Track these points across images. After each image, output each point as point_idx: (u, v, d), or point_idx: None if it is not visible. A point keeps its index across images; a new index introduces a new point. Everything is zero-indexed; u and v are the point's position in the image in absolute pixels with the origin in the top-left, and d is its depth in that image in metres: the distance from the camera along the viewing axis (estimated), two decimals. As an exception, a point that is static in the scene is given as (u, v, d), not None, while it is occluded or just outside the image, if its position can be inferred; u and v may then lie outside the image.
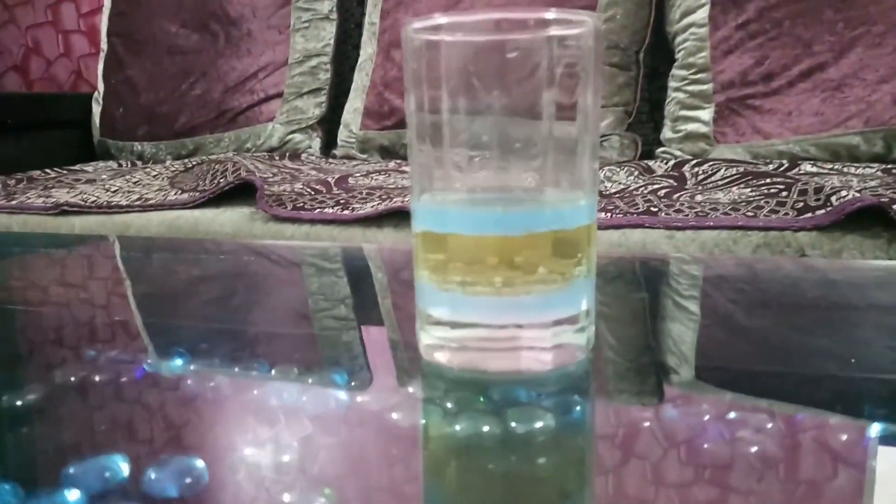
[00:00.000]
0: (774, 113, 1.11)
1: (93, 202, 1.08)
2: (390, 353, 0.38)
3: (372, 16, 1.48)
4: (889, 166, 0.99)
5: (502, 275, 0.29)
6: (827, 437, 0.27)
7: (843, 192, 0.72)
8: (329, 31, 1.54)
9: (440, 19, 0.28)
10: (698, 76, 1.19)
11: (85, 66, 2.08)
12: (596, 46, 0.29)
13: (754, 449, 0.26)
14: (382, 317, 0.45)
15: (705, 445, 0.26)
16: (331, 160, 1.46)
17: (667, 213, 0.77)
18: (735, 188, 0.86)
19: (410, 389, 0.32)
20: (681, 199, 0.84)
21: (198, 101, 1.58)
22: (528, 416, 0.27)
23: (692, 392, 0.32)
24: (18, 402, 0.31)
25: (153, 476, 0.24)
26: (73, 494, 0.23)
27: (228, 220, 0.97)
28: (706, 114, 1.17)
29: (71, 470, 0.25)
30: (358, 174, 1.14)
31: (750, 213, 0.75)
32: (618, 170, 1.08)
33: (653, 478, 0.24)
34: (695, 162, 1.06)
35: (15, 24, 2.15)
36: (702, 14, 1.20)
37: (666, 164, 1.10)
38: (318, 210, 0.91)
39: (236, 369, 0.35)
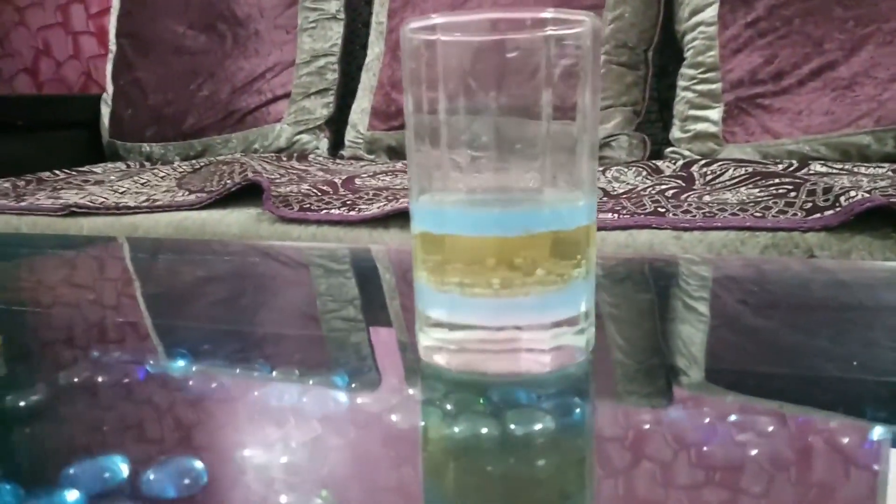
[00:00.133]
0: (784, 112, 1.11)
1: (101, 203, 1.08)
2: (390, 355, 0.38)
3: (379, 15, 1.48)
4: (900, 166, 0.98)
5: (501, 276, 0.29)
6: (838, 440, 0.26)
7: (853, 193, 0.71)
8: (336, 31, 1.54)
9: (437, 19, 0.28)
10: (707, 75, 1.18)
11: (94, 68, 2.09)
12: (594, 46, 0.29)
13: (755, 452, 0.25)
14: (384, 318, 0.45)
15: (705, 448, 0.26)
16: (338, 161, 1.46)
17: (674, 214, 0.77)
18: (743, 188, 0.85)
19: (410, 391, 0.32)
20: (689, 199, 0.83)
21: (205, 101, 1.59)
22: (527, 418, 0.27)
23: (694, 394, 0.31)
24: (22, 403, 0.31)
25: (152, 477, 0.24)
26: (72, 494, 0.24)
27: (235, 220, 0.97)
28: (715, 113, 1.16)
29: (71, 470, 0.25)
30: (365, 175, 1.14)
31: (758, 214, 0.74)
32: (626, 170, 1.08)
33: (653, 480, 0.24)
34: (703, 162, 1.05)
35: (25, 25, 2.17)
36: (711, 12, 1.19)
37: (674, 164, 1.09)
38: (325, 211, 0.91)
39: (237, 370, 0.35)
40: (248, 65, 1.56)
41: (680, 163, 1.09)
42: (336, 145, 1.53)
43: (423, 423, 0.28)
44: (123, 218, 1.04)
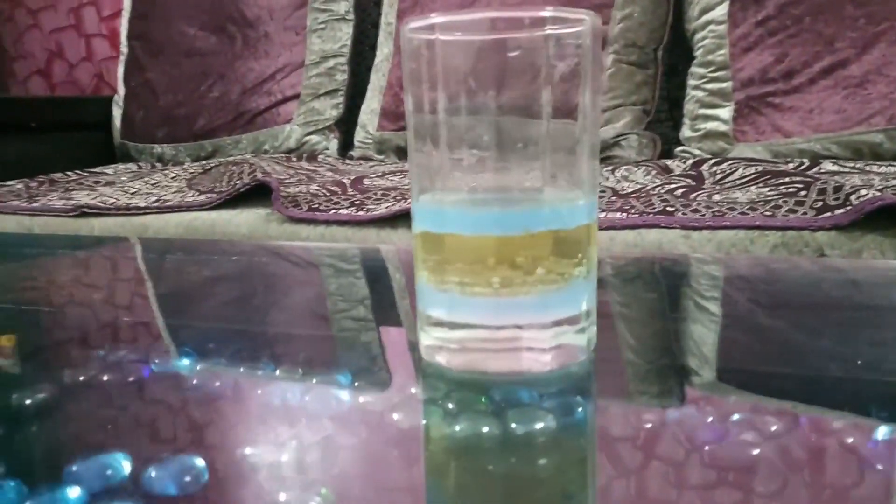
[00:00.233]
0: (795, 111, 1.10)
1: (112, 204, 1.09)
2: (393, 355, 0.38)
3: (388, 16, 1.48)
4: (913, 164, 0.97)
5: (501, 275, 0.29)
6: (851, 441, 0.26)
7: (864, 191, 0.71)
8: (346, 32, 1.55)
9: (436, 18, 0.28)
10: (717, 74, 1.18)
11: (106, 70, 2.10)
12: (594, 44, 0.29)
13: (755, 452, 0.25)
14: (388, 318, 0.45)
15: (707, 447, 0.26)
16: (347, 161, 1.46)
17: (683, 213, 0.76)
18: (753, 187, 0.85)
19: (412, 391, 0.32)
20: (698, 198, 0.83)
21: (216, 103, 1.60)
22: (528, 417, 0.27)
23: (697, 393, 0.31)
24: (27, 401, 0.31)
25: (154, 474, 0.25)
26: (73, 491, 0.24)
27: (244, 221, 0.98)
28: (726, 112, 1.16)
29: (73, 467, 0.25)
30: (373, 175, 1.14)
31: (768, 213, 0.73)
32: (635, 169, 1.07)
33: (655, 479, 0.24)
34: (713, 161, 1.04)
35: (39, 28, 2.19)
36: (721, 11, 1.18)
37: (684, 163, 1.09)
38: (333, 211, 0.91)
39: (239, 369, 0.35)
40: (258, 66, 1.57)
41: (690, 162, 1.08)
42: (346, 146, 1.54)
43: (424, 423, 0.28)
44: (134, 218, 1.05)
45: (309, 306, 0.49)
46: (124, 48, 1.77)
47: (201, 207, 1.03)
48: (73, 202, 1.11)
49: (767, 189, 0.82)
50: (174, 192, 1.14)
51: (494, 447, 0.26)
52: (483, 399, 0.28)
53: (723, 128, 1.16)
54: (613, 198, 0.88)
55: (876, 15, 1.06)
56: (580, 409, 0.29)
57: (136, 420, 0.30)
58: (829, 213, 0.70)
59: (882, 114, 1.03)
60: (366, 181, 1.08)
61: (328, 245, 0.83)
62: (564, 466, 0.25)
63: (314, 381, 0.33)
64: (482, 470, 0.25)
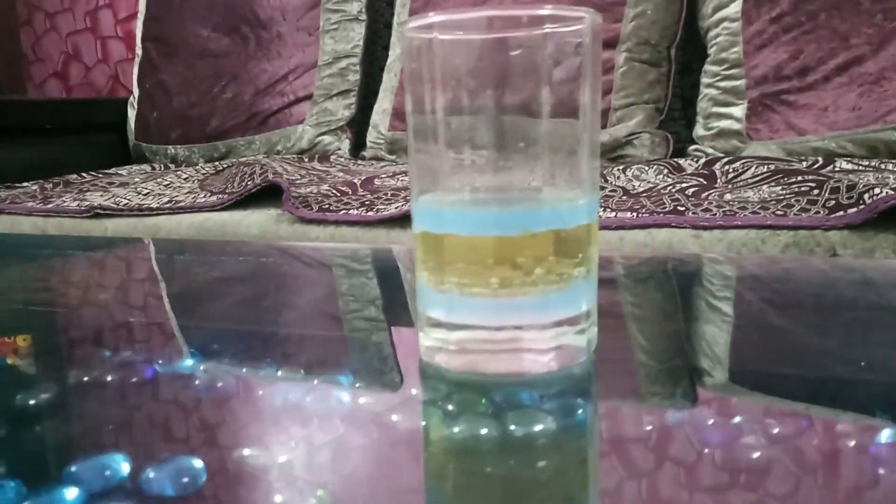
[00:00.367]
0: (810, 108, 1.09)
1: (124, 205, 1.10)
2: (394, 355, 0.38)
3: (401, 16, 1.48)
4: (929, 162, 0.96)
5: (501, 275, 0.29)
6: (866, 444, 0.26)
7: (877, 190, 0.70)
8: (358, 33, 1.55)
9: (434, 18, 0.28)
10: (731, 72, 1.17)
11: (122, 71, 2.12)
12: (594, 43, 0.28)
13: (756, 454, 0.25)
14: (389, 318, 0.45)
15: (707, 449, 0.25)
16: (359, 162, 1.47)
17: (694, 213, 0.76)
18: (766, 186, 0.84)
19: (411, 392, 0.32)
20: (709, 197, 0.82)
21: (229, 104, 1.60)
22: (528, 418, 0.27)
23: (701, 395, 0.31)
24: (31, 402, 0.31)
25: (152, 475, 0.25)
26: (71, 492, 0.24)
27: (255, 221, 0.98)
28: (739, 110, 1.15)
29: (72, 468, 0.25)
30: (384, 175, 1.14)
31: (780, 212, 0.73)
32: (646, 168, 1.07)
33: (655, 481, 0.24)
34: (726, 160, 1.03)
35: (56, 31, 2.21)
36: (734, 8, 1.17)
37: (697, 161, 1.08)
38: (343, 211, 0.91)
39: (241, 370, 0.35)
40: (271, 67, 1.58)
41: (702, 160, 1.07)
42: (358, 146, 1.54)
43: (423, 424, 0.28)
44: (146, 219, 1.05)
45: (317, 307, 0.49)
46: (139, 50, 1.78)
47: (213, 208, 1.04)
48: (87, 203, 1.12)
49: (780, 188, 0.82)
50: (186, 193, 1.15)
51: (494, 449, 0.26)
52: (483, 400, 0.28)
53: (736, 126, 1.15)
54: (624, 197, 0.88)
55: (892, 11, 1.05)
56: (580, 410, 0.28)
57: (136, 420, 0.30)
58: (841, 212, 0.70)
59: (898, 111, 1.01)
60: (376, 181, 1.08)
61: (338, 245, 0.84)
62: (565, 468, 0.25)
63: (314, 381, 0.33)
64: (482, 472, 0.25)
